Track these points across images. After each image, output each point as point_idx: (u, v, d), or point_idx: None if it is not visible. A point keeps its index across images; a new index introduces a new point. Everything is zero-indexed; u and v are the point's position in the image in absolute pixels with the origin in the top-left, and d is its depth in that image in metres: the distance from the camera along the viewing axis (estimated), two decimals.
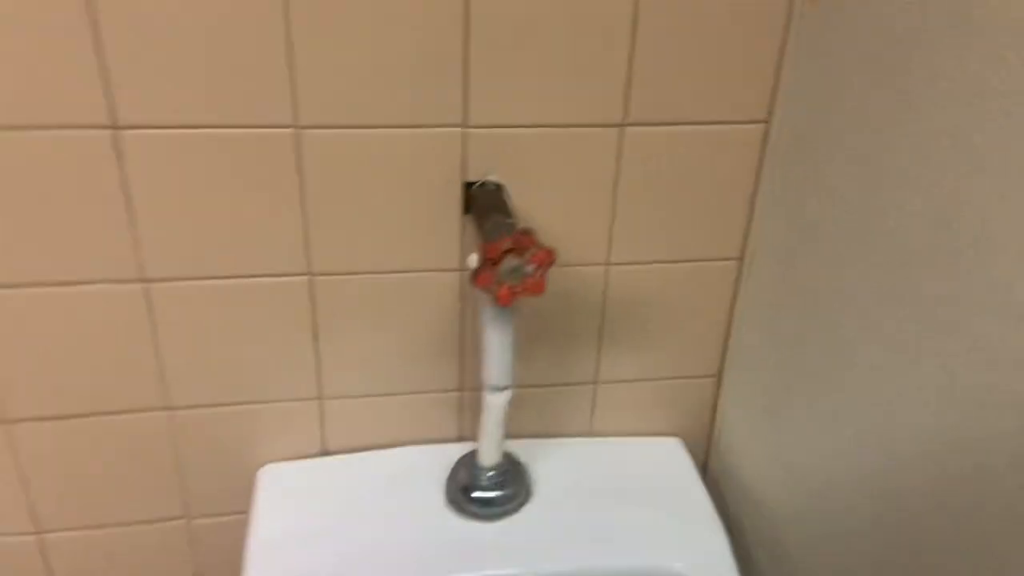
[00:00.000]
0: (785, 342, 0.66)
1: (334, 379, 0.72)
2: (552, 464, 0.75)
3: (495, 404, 0.66)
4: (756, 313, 0.71)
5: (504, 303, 0.57)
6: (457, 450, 0.74)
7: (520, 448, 0.75)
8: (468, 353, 0.72)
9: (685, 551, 0.68)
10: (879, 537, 0.55)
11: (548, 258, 0.56)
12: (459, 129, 0.62)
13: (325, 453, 0.75)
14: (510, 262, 0.56)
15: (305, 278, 0.66)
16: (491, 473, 0.70)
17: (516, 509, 0.70)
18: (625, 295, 0.72)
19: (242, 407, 0.71)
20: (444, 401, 0.75)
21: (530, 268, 0.56)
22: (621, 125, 0.64)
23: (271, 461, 0.74)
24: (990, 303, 0.44)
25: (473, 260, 0.57)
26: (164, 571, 0.78)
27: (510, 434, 0.76)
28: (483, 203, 0.63)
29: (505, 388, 0.65)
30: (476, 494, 0.70)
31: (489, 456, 0.69)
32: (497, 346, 0.62)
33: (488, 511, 0.69)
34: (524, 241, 0.55)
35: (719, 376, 0.78)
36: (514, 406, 0.75)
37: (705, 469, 0.83)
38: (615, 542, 0.68)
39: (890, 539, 0.54)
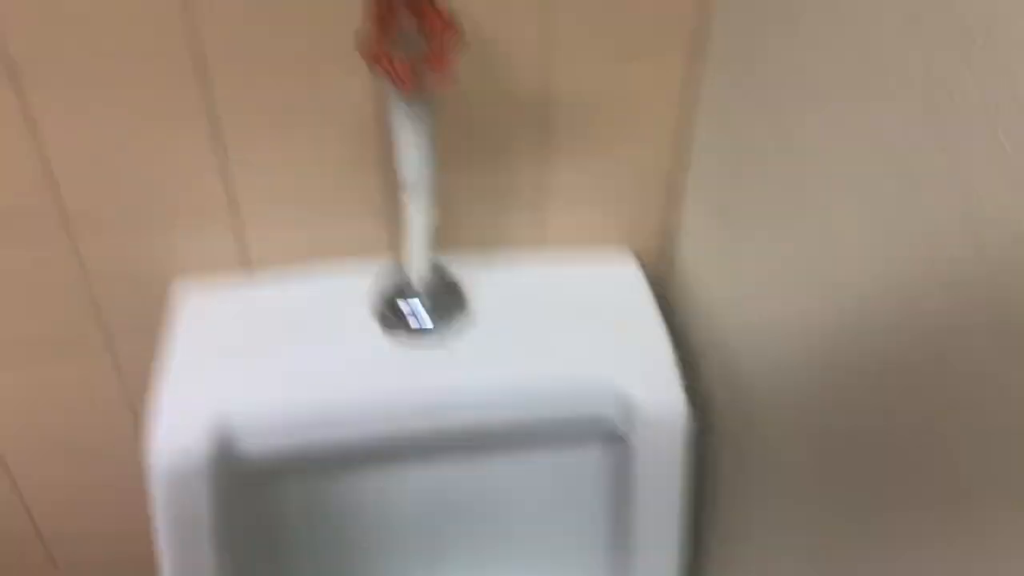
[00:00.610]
0: (740, 145, 0.57)
1: (244, 184, 0.64)
2: (492, 278, 0.68)
3: (415, 210, 0.58)
4: (712, 111, 0.61)
5: (405, 86, 0.47)
6: (389, 264, 0.68)
7: (458, 262, 0.68)
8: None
9: (627, 366, 0.62)
10: (828, 377, 0.48)
11: (449, 26, 0.46)
12: None
13: (246, 266, 0.69)
14: (405, 27, 0.46)
15: (188, 61, 0.57)
16: (419, 287, 0.63)
17: (447, 324, 0.64)
18: (567, 92, 0.62)
19: (144, 213, 0.64)
20: (373, 211, 0.67)
21: (432, 41, 0.46)
22: None
23: (187, 276, 0.68)
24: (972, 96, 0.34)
25: None
26: (99, 400, 0.75)
27: (450, 248, 0.69)
28: None
29: (423, 191, 0.57)
30: (404, 310, 0.64)
31: (416, 269, 0.62)
32: (411, 141, 0.54)
33: (417, 326, 0.63)
34: (419, 2, 0.45)
35: (674, 184, 0.69)
36: (452, 218, 0.68)
37: (665, 287, 0.76)
38: (553, 357, 0.62)
39: (839, 380, 0.47)
